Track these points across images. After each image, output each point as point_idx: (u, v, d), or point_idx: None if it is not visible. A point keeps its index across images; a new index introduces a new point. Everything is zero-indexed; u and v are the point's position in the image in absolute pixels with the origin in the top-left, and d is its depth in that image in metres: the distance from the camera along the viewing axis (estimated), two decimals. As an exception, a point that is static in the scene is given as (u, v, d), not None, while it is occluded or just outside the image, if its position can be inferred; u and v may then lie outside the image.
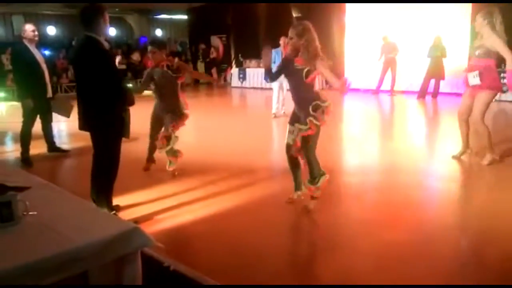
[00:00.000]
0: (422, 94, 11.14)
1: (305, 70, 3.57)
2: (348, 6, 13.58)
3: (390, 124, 9.18)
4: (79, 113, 3.40)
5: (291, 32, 3.61)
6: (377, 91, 12.25)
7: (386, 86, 12.08)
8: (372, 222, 3.61)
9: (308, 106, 3.58)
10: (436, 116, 9.80)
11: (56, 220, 1.73)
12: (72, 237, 1.58)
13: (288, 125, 3.81)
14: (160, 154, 4.93)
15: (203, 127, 7.76)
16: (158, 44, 4.82)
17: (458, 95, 11.16)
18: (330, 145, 6.45)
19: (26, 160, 5.55)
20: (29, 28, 5.53)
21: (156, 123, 4.81)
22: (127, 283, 1.65)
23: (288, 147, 3.77)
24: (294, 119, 3.75)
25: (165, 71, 4.66)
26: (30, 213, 1.76)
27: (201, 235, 3.44)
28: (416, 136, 7.45)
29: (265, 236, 3.34)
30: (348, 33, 13.72)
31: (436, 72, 10.92)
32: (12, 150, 6.36)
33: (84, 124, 3.37)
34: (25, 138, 5.61)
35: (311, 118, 3.55)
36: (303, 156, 3.70)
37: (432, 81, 11.10)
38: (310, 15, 14.29)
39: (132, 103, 3.43)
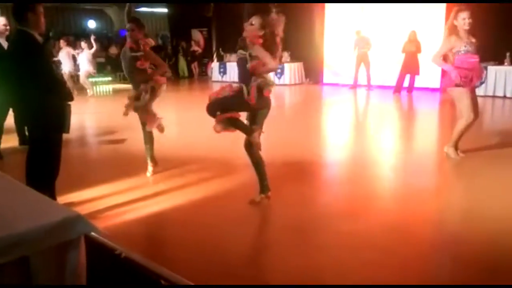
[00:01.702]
0: (397, 89, 11.34)
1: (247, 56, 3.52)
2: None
3: (364, 118, 9.34)
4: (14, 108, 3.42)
5: (253, 19, 3.55)
6: (354, 86, 12.42)
7: (363, 80, 12.26)
8: (336, 213, 3.72)
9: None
10: (411, 110, 10.00)
11: (1, 207, 1.78)
12: (13, 223, 1.63)
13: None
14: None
15: (182, 120, 7.80)
16: (138, 22, 4.48)
17: (432, 90, 11.44)
18: (305, 138, 6.57)
19: (-4, 152, 5.52)
20: (0, 21, 5.47)
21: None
22: (69, 269, 1.70)
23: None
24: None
25: (127, 49, 4.37)
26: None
27: (164, 227, 3.51)
28: (388, 130, 7.60)
29: (228, 230, 3.41)
30: (327, 27, 13.85)
31: (411, 68, 11.11)
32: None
33: (21, 118, 3.39)
34: (-5, 131, 5.58)
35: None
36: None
37: (408, 77, 11.30)
38: (289, 9, 14.34)
39: (69, 97, 3.45)
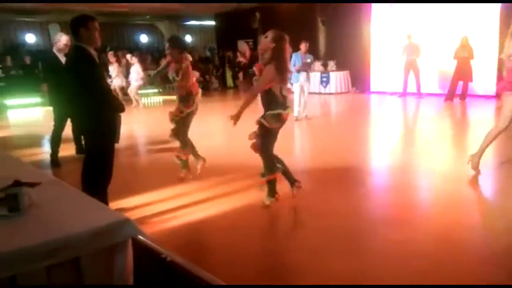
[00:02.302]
0: (449, 96, 10.93)
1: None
2: (374, 8, 13.50)
3: (414, 126, 9.06)
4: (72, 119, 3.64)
5: (269, 33, 3.77)
6: (403, 94, 12.10)
7: (413, 88, 11.92)
8: (382, 221, 3.65)
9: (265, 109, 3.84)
10: (464, 118, 9.60)
11: (56, 211, 1.91)
12: (66, 226, 1.75)
13: None
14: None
15: (226, 130, 7.95)
16: (171, 41, 4.83)
17: (487, 97, 10.92)
18: (352, 146, 6.49)
19: (54, 161, 5.88)
20: (63, 39, 5.80)
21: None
22: (117, 271, 1.80)
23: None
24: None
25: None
26: (35, 205, 1.94)
27: (208, 233, 3.59)
28: (439, 139, 7.32)
29: (272, 236, 3.44)
30: (374, 36, 13.63)
31: (463, 74, 10.69)
32: (45, 152, 6.73)
33: (78, 128, 3.58)
34: (54, 140, 5.95)
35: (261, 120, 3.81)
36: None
37: (460, 83, 10.88)
38: (335, 18, 14.32)
39: (121, 109, 3.62)
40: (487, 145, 4.75)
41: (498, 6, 10.66)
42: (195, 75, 5.05)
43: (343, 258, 3.01)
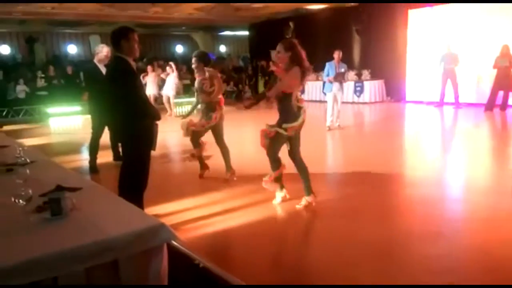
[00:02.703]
0: (489, 106, 10.58)
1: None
2: (411, 16, 13.29)
3: (451, 137, 8.81)
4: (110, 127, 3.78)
5: (278, 47, 4.03)
6: (440, 104, 11.81)
7: (450, 98, 11.62)
8: (415, 233, 3.57)
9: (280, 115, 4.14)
10: (504, 129, 9.26)
11: (96, 215, 1.99)
12: (106, 229, 1.82)
13: None
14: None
15: (255, 139, 7.99)
16: (198, 56, 5.24)
17: (529, 107, 10.51)
18: (386, 157, 6.39)
19: (93, 167, 6.09)
20: (103, 50, 6.05)
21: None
22: (153, 274, 1.85)
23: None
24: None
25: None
26: (76, 209, 2.03)
27: (241, 240, 3.61)
28: (478, 151, 7.09)
29: (305, 246, 3.43)
30: (410, 44, 13.40)
31: (504, 84, 10.33)
32: (84, 158, 6.98)
33: (116, 135, 3.70)
34: (92, 148, 6.17)
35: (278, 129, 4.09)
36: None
37: (501, 93, 10.52)
38: (370, 26, 14.19)
39: (157, 117, 3.71)
40: None
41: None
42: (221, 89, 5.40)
43: (372, 270, 2.96)
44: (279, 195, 4.37)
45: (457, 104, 11.43)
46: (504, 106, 10.51)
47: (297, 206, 4.20)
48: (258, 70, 18.33)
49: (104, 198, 2.34)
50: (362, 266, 3.05)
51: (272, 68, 4.20)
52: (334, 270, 2.99)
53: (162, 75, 13.31)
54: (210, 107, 5.21)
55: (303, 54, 3.99)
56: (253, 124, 10.71)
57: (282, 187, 4.38)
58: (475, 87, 11.73)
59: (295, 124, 4.04)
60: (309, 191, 4.22)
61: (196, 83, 5.33)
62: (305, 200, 4.21)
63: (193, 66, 5.23)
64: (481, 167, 5.82)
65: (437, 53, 11.94)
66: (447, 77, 11.49)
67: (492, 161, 6.35)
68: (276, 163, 4.21)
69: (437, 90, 11.86)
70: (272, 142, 4.14)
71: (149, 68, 13.34)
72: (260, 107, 15.35)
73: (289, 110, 4.03)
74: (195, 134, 5.28)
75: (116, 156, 6.55)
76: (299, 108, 4.07)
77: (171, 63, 13.42)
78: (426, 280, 2.81)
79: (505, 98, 10.49)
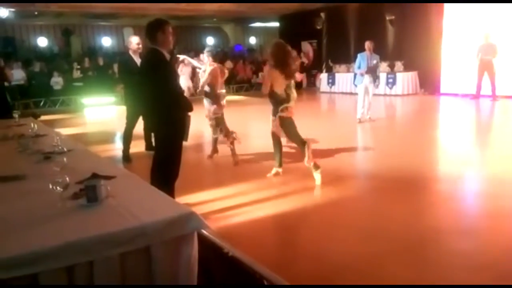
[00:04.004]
0: (529, 99, 10.17)
1: None
2: (447, 6, 12.87)
3: (487, 131, 8.52)
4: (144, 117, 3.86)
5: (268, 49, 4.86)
6: (477, 96, 11.43)
7: (487, 90, 11.23)
8: (447, 229, 3.51)
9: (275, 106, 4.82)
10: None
11: (130, 202, 2.06)
12: (139, 216, 1.88)
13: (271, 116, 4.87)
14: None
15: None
16: (211, 51, 5.95)
17: None
18: (419, 151, 6.26)
19: (126, 156, 6.25)
20: (134, 40, 6.20)
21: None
22: (183, 261, 1.90)
23: (272, 132, 4.98)
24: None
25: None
26: (111, 196, 2.11)
27: (271, 230, 3.65)
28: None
29: (333, 238, 3.43)
30: (445, 34, 13.00)
31: (546, 75, 9.89)
32: (117, 148, 7.17)
33: (149, 126, 3.77)
34: (126, 137, 6.32)
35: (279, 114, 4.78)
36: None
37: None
38: (404, 17, 13.85)
39: (190, 108, 3.75)
40: None
41: None
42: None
43: (404, 266, 2.92)
44: (317, 175, 4.69)
45: (494, 97, 11.04)
46: (545, 99, 10.08)
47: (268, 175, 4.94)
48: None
49: (137, 186, 2.40)
50: (391, 259, 3.02)
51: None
52: (363, 264, 2.98)
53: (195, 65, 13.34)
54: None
55: (285, 55, 4.76)
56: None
57: (317, 167, 4.70)
58: (513, 79, 11.27)
59: (289, 105, 4.75)
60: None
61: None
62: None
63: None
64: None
65: (474, 44, 11.53)
66: (484, 69, 11.10)
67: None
68: (300, 141, 4.69)
69: (473, 82, 11.48)
70: (285, 128, 4.76)
71: (185, 60, 13.36)
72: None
73: (277, 98, 4.75)
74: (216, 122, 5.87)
75: (149, 146, 6.68)
76: (288, 95, 4.77)
77: (202, 55, 13.48)
78: (457, 276, 2.76)
79: (547, 90, 10.04)
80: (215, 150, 6.18)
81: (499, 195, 4.35)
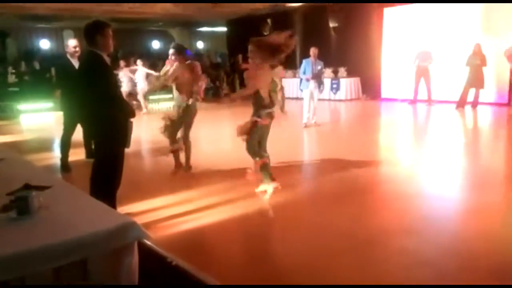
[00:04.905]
0: (461, 103, 10.85)
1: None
2: (386, 14, 13.50)
3: (424, 134, 8.99)
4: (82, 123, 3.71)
5: (250, 47, 4.35)
6: (414, 101, 12.04)
7: (423, 95, 11.87)
8: (388, 229, 3.64)
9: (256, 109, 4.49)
10: (476, 126, 9.52)
11: (65, 214, 1.96)
12: (75, 228, 1.79)
13: None
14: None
15: (232, 136, 7.98)
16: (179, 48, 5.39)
17: (499, 105, 10.82)
18: (362, 153, 6.47)
19: (64, 165, 5.95)
20: (71, 43, 5.95)
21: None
22: (123, 273, 1.83)
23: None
24: None
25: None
26: (45, 208, 1.99)
27: (214, 237, 3.61)
28: (450, 147, 7.26)
29: (277, 241, 3.45)
30: (385, 42, 13.62)
31: (476, 81, 10.60)
32: (56, 156, 6.82)
33: (88, 132, 3.62)
34: (64, 145, 6.01)
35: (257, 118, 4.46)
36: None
37: (472, 91, 10.79)
38: (347, 25, 14.34)
39: (132, 114, 3.66)
40: None
41: (511, 13, 10.59)
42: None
43: (346, 265, 3.00)
44: (271, 186, 4.49)
45: (430, 101, 11.69)
46: (475, 103, 10.79)
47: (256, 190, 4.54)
48: (236, 67, 18.31)
49: (73, 197, 2.29)
50: (336, 259, 3.09)
51: (244, 66, 4.36)
52: (305, 266, 3.01)
53: (133, 68, 12.96)
54: None
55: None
56: (227, 121, 10.68)
57: (272, 178, 4.53)
58: (446, 85, 11.99)
59: (272, 110, 4.54)
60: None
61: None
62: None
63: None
64: (452, 163, 5.96)
65: (411, 51, 12.16)
66: (420, 75, 11.73)
67: (463, 157, 6.51)
68: (255, 152, 4.49)
69: (411, 87, 12.10)
70: (253, 134, 4.47)
71: (121, 63, 12.97)
72: (237, 105, 15.33)
73: (261, 102, 4.45)
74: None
75: (89, 154, 6.40)
76: (272, 101, 4.56)
77: (138, 61, 13.16)
78: (399, 274, 2.87)
79: (476, 95, 10.76)
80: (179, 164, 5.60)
81: (436, 195, 4.59)
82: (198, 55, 21.69)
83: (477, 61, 10.48)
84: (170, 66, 5.29)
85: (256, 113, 4.44)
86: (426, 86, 11.72)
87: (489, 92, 10.81)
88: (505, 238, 3.40)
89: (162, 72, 5.44)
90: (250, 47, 4.37)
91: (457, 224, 3.81)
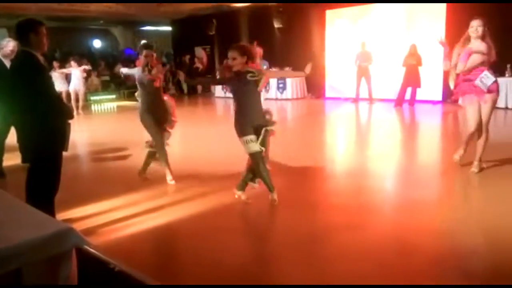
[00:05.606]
0: (399, 102, 11.39)
1: (258, 79, 3.94)
2: (328, 16, 13.89)
3: (366, 131, 9.36)
4: (16, 127, 3.50)
5: (232, 53, 4.03)
6: (356, 100, 12.50)
7: (365, 94, 12.35)
8: (334, 225, 3.75)
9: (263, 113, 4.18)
10: (413, 123, 10.03)
11: (-4, 222, 1.84)
12: (6, 238, 1.68)
13: (245, 137, 4.02)
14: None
15: (184, 136, 7.89)
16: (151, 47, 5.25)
17: (434, 102, 11.48)
18: (307, 151, 6.61)
19: (-2, 171, 5.61)
20: (10, 45, 5.57)
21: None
22: (61, 281, 1.75)
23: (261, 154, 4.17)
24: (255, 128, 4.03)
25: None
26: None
27: (162, 241, 3.55)
28: (390, 143, 7.59)
29: (228, 242, 3.45)
30: (328, 43, 14.02)
31: (412, 81, 11.18)
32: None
33: (23, 136, 3.44)
34: (-3, 150, 5.67)
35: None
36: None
37: (409, 89, 11.37)
38: (291, 25, 14.61)
39: (70, 116, 3.52)
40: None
41: (443, 17, 11.25)
42: None
43: (295, 263, 3.07)
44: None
45: (370, 100, 12.19)
46: (412, 101, 11.38)
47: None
48: (183, 66, 18.06)
49: (6, 205, 2.16)
50: (282, 258, 3.14)
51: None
52: (257, 263, 3.05)
53: (64, 70, 12.42)
54: None
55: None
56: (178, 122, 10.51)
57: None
58: (386, 84, 12.55)
59: None
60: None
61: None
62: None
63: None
64: (392, 159, 6.25)
65: (353, 52, 12.60)
66: (361, 75, 12.21)
67: (401, 153, 6.84)
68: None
69: (353, 87, 12.55)
70: None
71: (55, 63, 12.39)
72: (183, 105, 15.07)
73: None
74: None
75: (25, 158, 6.08)
76: None
77: (72, 62, 12.62)
78: (341, 267, 2.97)
79: (413, 94, 11.35)
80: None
81: (380, 190, 4.78)
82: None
83: (413, 61, 11.06)
84: (139, 66, 5.06)
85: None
86: (367, 85, 12.22)
87: (425, 91, 11.42)
88: (443, 231, 3.60)
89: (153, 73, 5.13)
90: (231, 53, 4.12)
91: (397, 217, 3.99)
